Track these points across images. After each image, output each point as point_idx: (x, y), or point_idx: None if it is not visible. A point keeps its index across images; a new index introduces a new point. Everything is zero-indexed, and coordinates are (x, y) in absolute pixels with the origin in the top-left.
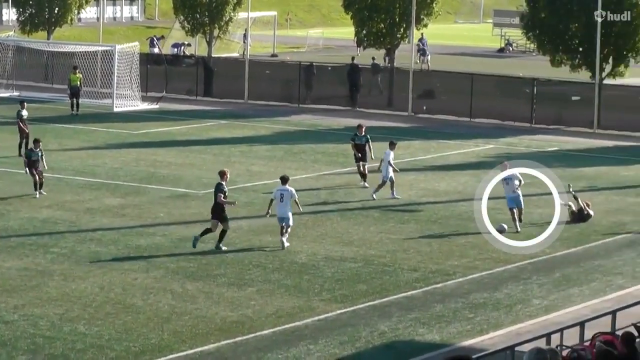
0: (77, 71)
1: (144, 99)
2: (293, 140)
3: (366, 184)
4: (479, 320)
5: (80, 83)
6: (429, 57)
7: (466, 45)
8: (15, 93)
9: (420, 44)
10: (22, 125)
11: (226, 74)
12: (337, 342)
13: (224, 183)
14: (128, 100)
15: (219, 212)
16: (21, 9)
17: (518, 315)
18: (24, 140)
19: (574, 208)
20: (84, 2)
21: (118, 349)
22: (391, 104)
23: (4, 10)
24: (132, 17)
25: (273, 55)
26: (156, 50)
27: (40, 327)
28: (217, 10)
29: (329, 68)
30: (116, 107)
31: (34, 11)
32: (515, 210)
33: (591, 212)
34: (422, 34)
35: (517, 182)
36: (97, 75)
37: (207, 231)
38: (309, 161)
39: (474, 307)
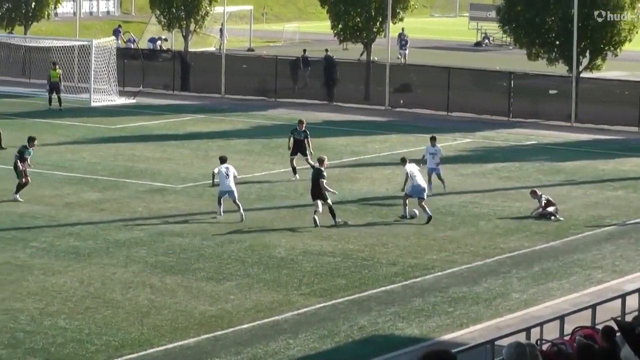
0: (57, 67)
1: (121, 93)
2: (270, 135)
3: (295, 178)
4: (459, 315)
5: (60, 79)
6: (407, 51)
7: (442, 39)
8: None
9: (402, 37)
10: None
11: (203, 69)
12: (316, 336)
13: (323, 169)
14: (105, 94)
15: (319, 193)
16: None
17: (497, 310)
18: None
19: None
20: None
21: (98, 343)
22: (368, 98)
23: None
24: (108, 12)
25: (249, 50)
26: (132, 45)
27: (21, 321)
28: (193, 5)
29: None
30: (94, 101)
31: (10, 6)
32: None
33: (551, 210)
34: (402, 28)
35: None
36: (74, 70)
37: (315, 214)
38: (286, 155)
39: (453, 301)
